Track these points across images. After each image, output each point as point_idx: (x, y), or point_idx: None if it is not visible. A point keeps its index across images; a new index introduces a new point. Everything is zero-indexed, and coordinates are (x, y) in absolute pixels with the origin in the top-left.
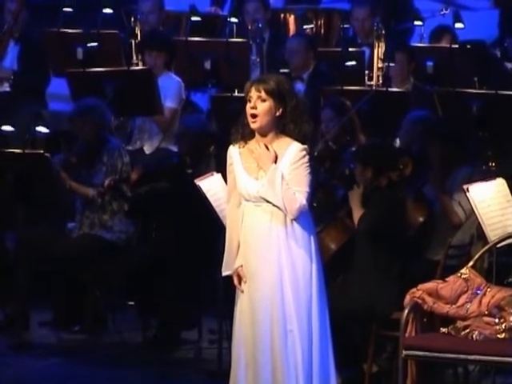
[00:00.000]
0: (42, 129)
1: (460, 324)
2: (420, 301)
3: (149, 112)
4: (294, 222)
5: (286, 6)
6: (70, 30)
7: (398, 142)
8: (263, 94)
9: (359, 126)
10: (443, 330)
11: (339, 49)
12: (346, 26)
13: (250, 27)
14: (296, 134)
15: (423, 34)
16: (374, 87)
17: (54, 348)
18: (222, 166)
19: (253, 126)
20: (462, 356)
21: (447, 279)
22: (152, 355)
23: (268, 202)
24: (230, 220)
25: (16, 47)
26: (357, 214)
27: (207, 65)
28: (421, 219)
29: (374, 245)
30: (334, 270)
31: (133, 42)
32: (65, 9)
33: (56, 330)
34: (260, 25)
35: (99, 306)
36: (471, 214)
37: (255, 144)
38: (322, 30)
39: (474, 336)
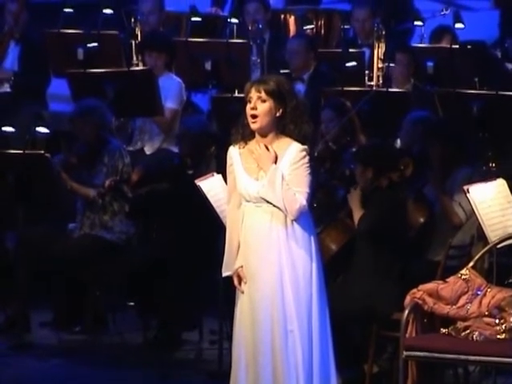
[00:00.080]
0: (42, 129)
1: (460, 325)
2: (420, 301)
3: (149, 113)
4: (295, 223)
5: (287, 6)
6: (70, 31)
7: (398, 142)
8: (263, 95)
9: (359, 126)
10: (443, 330)
11: (339, 49)
12: (346, 26)
13: (250, 28)
14: (296, 134)
15: (423, 34)
16: (374, 88)
17: (54, 349)
18: (223, 167)
19: (253, 126)
20: (463, 357)
21: (448, 280)
22: (152, 356)
23: (268, 202)
24: (230, 220)
25: (16, 48)
26: (357, 214)
27: (207, 65)
28: (421, 220)
29: (374, 245)
30: (334, 271)
31: (133, 42)
32: (65, 9)
33: (56, 331)
34: (260, 25)
35: (100, 307)
36: (471, 214)
37: (255, 144)
38: (323, 31)
39: (474, 337)
